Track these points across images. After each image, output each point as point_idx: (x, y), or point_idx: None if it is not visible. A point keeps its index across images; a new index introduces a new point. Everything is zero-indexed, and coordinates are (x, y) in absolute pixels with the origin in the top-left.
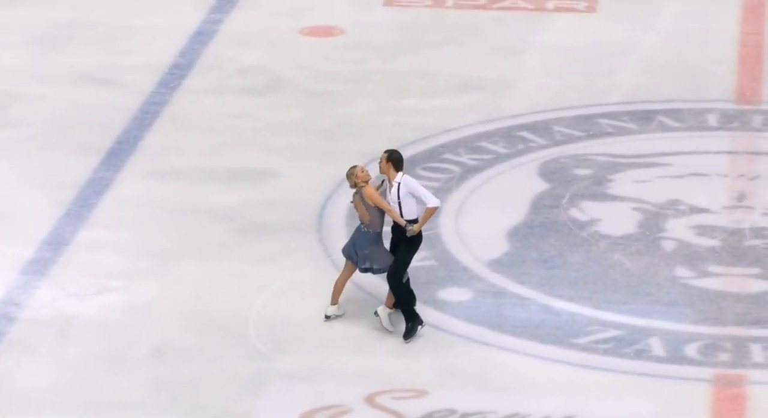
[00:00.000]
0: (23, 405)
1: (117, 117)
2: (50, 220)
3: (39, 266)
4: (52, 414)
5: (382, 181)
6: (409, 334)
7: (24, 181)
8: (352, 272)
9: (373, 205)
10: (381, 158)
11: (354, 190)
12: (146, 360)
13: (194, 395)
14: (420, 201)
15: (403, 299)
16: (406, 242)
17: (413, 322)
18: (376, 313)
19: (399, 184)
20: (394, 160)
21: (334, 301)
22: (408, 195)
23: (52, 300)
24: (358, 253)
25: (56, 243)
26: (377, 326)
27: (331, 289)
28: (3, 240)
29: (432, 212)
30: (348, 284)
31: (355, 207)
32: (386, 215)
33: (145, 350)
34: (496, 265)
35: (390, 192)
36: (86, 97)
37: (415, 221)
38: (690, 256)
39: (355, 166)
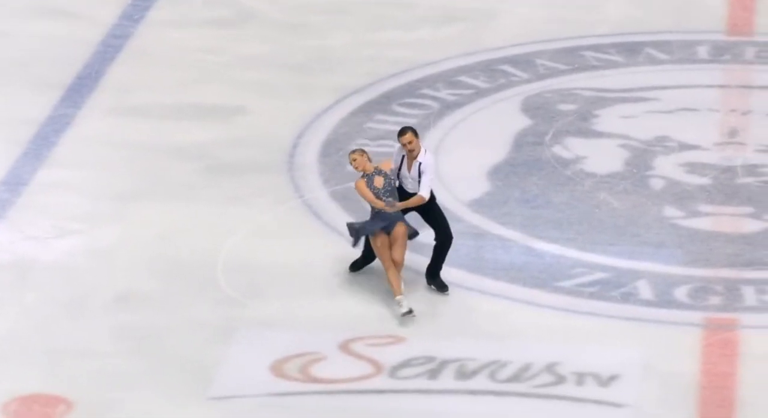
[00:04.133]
0: None
1: (78, 51)
2: (8, 159)
3: None
4: (11, 362)
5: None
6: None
7: None
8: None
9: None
10: (408, 138)
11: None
12: (109, 306)
13: (160, 344)
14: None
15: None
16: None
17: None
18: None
19: (420, 163)
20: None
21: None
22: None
23: (10, 243)
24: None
25: (14, 183)
26: (356, 273)
27: (303, 230)
28: None
29: (418, 202)
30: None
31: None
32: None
33: (108, 296)
34: (477, 205)
35: (411, 169)
36: (46, 31)
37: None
38: (679, 195)
39: (354, 152)
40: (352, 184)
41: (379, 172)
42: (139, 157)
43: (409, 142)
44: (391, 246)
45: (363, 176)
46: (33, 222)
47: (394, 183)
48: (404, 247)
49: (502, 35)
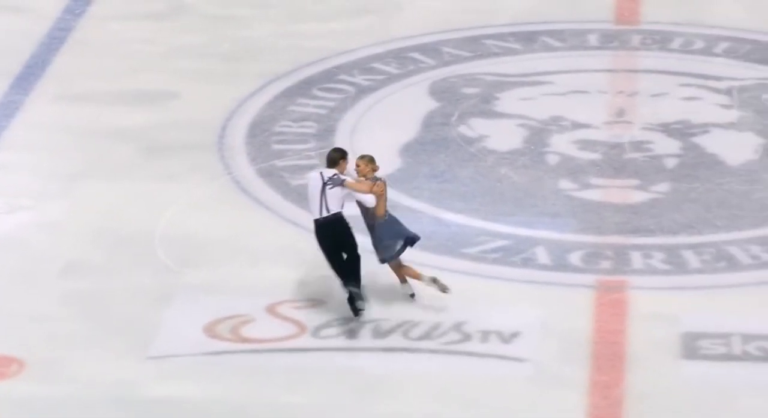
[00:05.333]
0: None
1: (25, 43)
2: None
3: None
4: None
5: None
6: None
7: None
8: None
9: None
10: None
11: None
12: (57, 275)
13: (104, 308)
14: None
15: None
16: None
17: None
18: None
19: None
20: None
21: (403, 278)
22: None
23: None
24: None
25: None
26: (278, 241)
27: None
28: None
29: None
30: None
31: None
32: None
33: (57, 266)
34: (390, 180)
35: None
36: None
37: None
38: (573, 169)
39: (362, 157)
40: (278, 162)
41: (376, 179)
42: (82, 139)
43: (357, 166)
44: None
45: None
46: None
47: None
48: None
49: (411, 26)
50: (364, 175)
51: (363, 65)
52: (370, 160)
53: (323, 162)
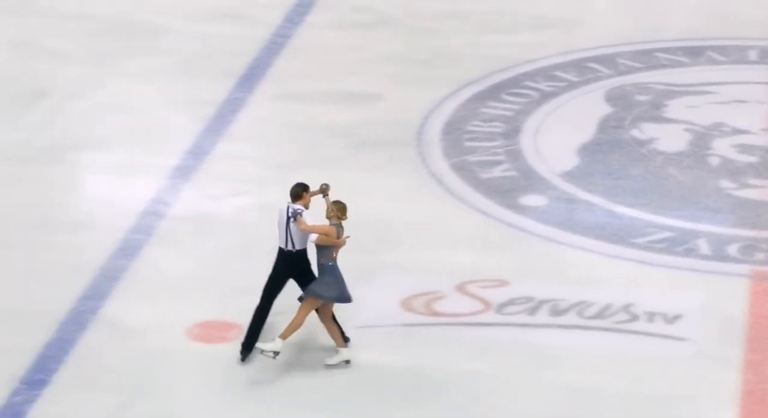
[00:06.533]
0: (168, 288)
1: (250, 47)
2: (193, 134)
3: (183, 172)
4: (193, 296)
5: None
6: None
7: (172, 101)
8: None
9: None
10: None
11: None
12: (272, 253)
13: None
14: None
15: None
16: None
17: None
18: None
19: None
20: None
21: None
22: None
23: (194, 201)
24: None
25: (198, 153)
26: (467, 227)
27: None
28: (155, 150)
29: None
30: (442, 191)
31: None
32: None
33: (271, 245)
34: (568, 176)
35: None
36: (224, 31)
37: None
38: (732, 170)
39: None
40: (468, 157)
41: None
42: (297, 133)
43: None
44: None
45: (334, 225)
46: (212, 184)
47: None
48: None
49: (590, 39)
50: (329, 219)
51: (546, 73)
52: (341, 208)
53: (509, 158)
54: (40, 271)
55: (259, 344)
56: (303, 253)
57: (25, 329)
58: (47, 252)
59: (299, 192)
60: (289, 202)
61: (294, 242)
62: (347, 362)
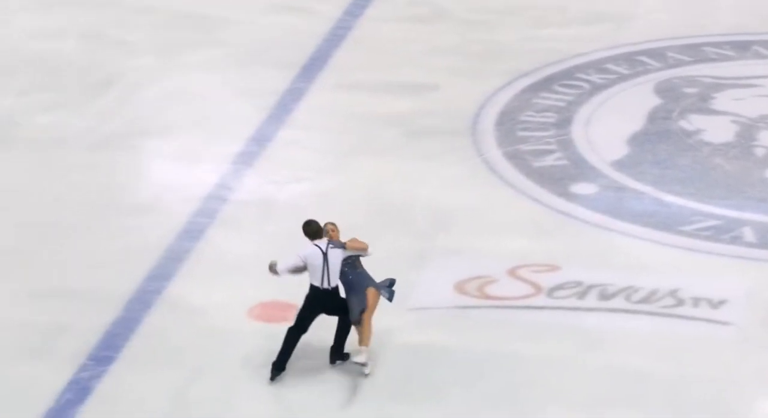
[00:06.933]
0: (230, 270)
1: (310, 39)
2: (256, 122)
3: (246, 158)
4: (254, 277)
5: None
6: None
7: (234, 91)
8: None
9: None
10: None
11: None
12: None
13: (370, 266)
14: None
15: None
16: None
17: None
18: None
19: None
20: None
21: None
22: None
23: (257, 186)
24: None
25: (260, 140)
26: (519, 214)
27: (481, 181)
28: (218, 138)
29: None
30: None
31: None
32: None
33: None
34: (618, 165)
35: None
36: (285, 23)
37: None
38: None
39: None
40: (521, 146)
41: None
42: (356, 122)
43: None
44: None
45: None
46: (274, 170)
47: None
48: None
49: (640, 33)
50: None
51: (597, 66)
52: (335, 226)
53: (560, 147)
54: (108, 253)
55: (354, 358)
56: (337, 289)
57: (93, 307)
58: (115, 235)
59: (320, 229)
60: (317, 243)
61: (330, 280)
62: (364, 365)
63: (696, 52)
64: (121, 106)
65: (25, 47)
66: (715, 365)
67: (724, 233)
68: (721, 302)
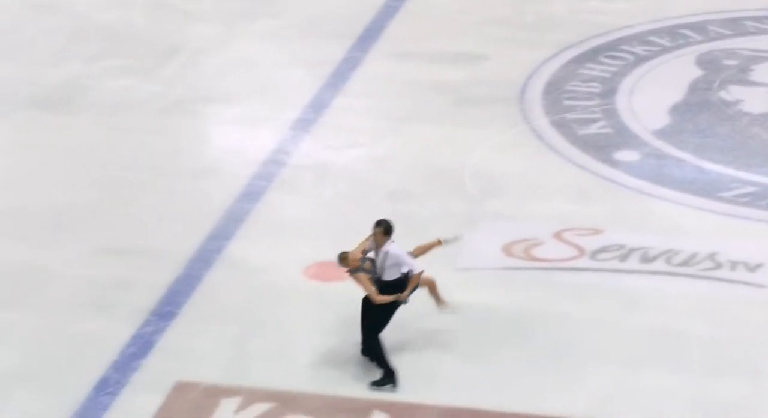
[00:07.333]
0: (288, 231)
1: (366, 11)
2: (313, 89)
3: (303, 124)
4: (310, 238)
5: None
6: (377, 384)
7: (292, 60)
8: None
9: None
10: (374, 231)
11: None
12: (384, 200)
13: (422, 227)
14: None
15: (381, 357)
16: (381, 307)
17: (388, 378)
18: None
19: (386, 252)
20: (386, 228)
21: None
22: (393, 265)
23: (313, 151)
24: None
25: (317, 107)
26: (565, 179)
27: (528, 148)
28: (277, 105)
29: (418, 278)
30: (542, 146)
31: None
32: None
33: (384, 192)
34: (660, 133)
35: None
36: None
37: (397, 284)
38: None
39: (347, 253)
40: (567, 115)
41: (365, 259)
42: (409, 90)
43: (374, 235)
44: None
45: (356, 270)
46: (330, 136)
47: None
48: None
49: (682, 7)
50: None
51: (641, 38)
52: (385, 230)
53: (605, 116)
54: (171, 213)
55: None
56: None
57: (156, 265)
58: (178, 196)
59: (391, 227)
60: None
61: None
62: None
63: (736, 25)
64: (185, 73)
65: (94, 16)
66: (750, 326)
67: (762, 199)
68: (758, 266)
